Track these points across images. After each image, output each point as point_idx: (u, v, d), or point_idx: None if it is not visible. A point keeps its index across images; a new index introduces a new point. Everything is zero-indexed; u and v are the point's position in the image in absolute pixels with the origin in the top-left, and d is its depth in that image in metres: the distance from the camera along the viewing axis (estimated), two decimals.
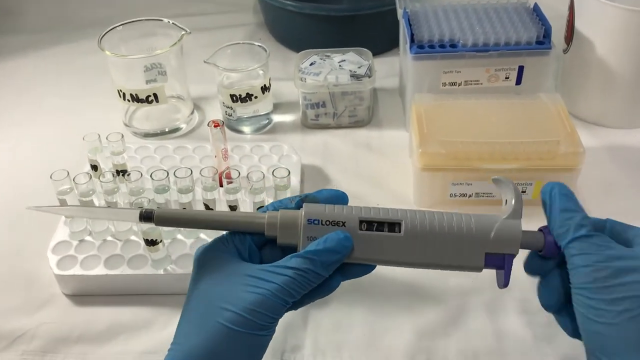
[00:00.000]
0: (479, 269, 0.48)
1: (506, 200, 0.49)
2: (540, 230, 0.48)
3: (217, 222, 0.49)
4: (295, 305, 0.48)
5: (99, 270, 0.63)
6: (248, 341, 0.44)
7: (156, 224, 0.49)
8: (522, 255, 0.49)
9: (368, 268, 0.49)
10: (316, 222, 0.47)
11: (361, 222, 0.47)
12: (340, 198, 0.50)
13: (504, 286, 0.48)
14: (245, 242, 0.49)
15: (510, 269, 0.47)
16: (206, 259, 0.48)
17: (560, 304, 0.47)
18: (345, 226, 0.47)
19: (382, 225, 0.47)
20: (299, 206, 0.49)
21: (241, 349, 0.44)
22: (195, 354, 0.43)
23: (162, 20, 0.87)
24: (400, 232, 0.47)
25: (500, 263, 0.47)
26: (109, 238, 0.67)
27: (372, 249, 0.47)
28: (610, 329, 0.42)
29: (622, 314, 0.42)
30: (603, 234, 0.46)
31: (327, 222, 0.47)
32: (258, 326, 0.44)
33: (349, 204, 0.50)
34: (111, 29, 0.85)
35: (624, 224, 0.48)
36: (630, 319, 0.42)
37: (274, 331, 0.47)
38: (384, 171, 0.80)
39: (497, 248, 0.47)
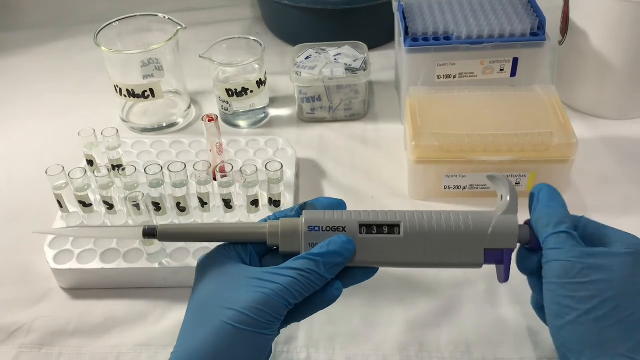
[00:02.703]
0: (479, 265, 0.49)
1: (501, 196, 0.49)
2: (525, 223, 0.49)
3: (220, 235, 0.50)
4: (297, 317, 0.49)
5: (95, 264, 0.64)
6: (251, 340, 0.44)
7: (159, 240, 0.50)
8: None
9: (369, 273, 0.50)
10: (317, 228, 0.48)
11: (361, 225, 0.48)
12: (338, 205, 0.51)
13: (504, 280, 0.49)
14: (246, 249, 0.50)
15: (510, 263, 0.48)
16: (209, 265, 0.49)
17: None
18: (345, 231, 0.48)
19: (382, 227, 0.48)
20: (298, 214, 0.50)
21: (244, 347, 0.44)
22: (199, 353, 0.44)
23: (157, 15, 0.87)
24: (399, 233, 0.48)
25: (499, 258, 0.48)
26: None
27: (373, 252, 0.48)
28: (574, 327, 0.43)
29: (588, 313, 0.42)
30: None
31: (328, 228, 0.48)
32: (261, 325, 0.44)
33: (347, 207, 0.51)
34: (107, 25, 0.85)
35: (598, 224, 0.48)
36: (596, 319, 0.42)
37: (276, 333, 0.47)
38: (379, 164, 0.80)
39: (495, 243, 0.48)
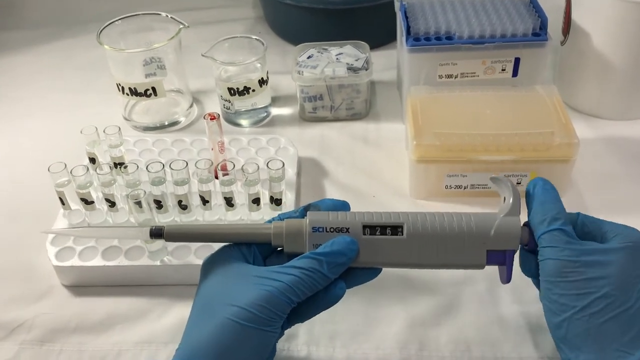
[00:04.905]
0: (482, 267, 0.49)
1: (504, 198, 0.50)
2: (524, 224, 0.49)
3: (225, 235, 0.50)
4: (302, 317, 0.49)
5: (97, 261, 0.64)
6: (254, 336, 0.45)
7: (166, 240, 0.51)
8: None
9: (372, 274, 0.51)
10: (321, 229, 0.48)
11: (364, 227, 0.49)
12: (342, 206, 0.52)
13: (507, 281, 0.49)
14: (251, 249, 0.50)
15: (512, 264, 0.49)
16: (213, 265, 0.50)
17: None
18: (349, 232, 0.48)
19: (385, 229, 0.49)
20: (302, 216, 0.50)
21: (247, 344, 0.45)
22: (202, 349, 0.44)
23: (160, 14, 0.87)
24: (402, 234, 0.48)
25: (502, 259, 0.48)
26: None
27: (376, 253, 0.49)
28: (570, 323, 0.43)
29: (583, 310, 0.43)
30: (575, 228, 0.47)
31: (332, 229, 0.48)
32: (264, 322, 0.45)
33: (351, 208, 0.52)
34: (110, 24, 0.85)
35: (595, 219, 0.48)
36: (591, 315, 0.42)
37: (280, 331, 0.48)
38: (380, 163, 0.80)
39: (498, 245, 0.48)
